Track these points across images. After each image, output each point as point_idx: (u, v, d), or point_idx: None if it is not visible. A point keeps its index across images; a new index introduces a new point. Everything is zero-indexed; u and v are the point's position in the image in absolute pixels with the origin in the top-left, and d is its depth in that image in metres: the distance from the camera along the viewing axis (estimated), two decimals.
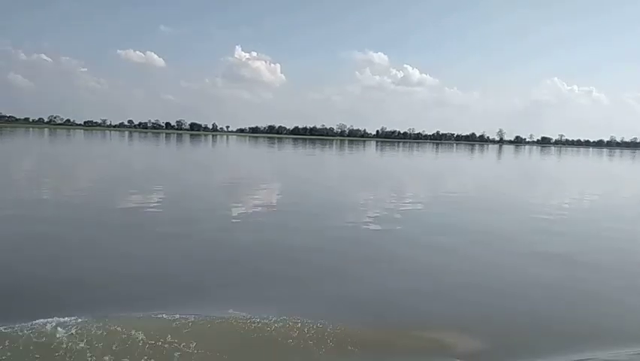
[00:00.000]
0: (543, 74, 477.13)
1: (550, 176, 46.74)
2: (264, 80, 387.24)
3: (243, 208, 18.14)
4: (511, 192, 29.43)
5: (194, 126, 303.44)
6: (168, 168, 38.46)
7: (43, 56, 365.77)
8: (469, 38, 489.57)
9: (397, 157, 73.28)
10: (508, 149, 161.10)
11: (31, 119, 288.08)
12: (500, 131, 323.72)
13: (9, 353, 5.61)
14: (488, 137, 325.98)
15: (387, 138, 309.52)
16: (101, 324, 6.24)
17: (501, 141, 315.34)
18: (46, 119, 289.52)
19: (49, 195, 19.40)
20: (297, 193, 23.86)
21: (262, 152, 73.53)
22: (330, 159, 61.66)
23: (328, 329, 6.71)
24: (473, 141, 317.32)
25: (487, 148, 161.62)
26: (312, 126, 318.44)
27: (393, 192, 25.04)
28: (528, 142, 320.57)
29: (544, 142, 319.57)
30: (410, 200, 22.32)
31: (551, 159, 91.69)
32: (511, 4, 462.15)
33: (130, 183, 25.02)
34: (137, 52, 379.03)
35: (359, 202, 21.07)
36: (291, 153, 70.78)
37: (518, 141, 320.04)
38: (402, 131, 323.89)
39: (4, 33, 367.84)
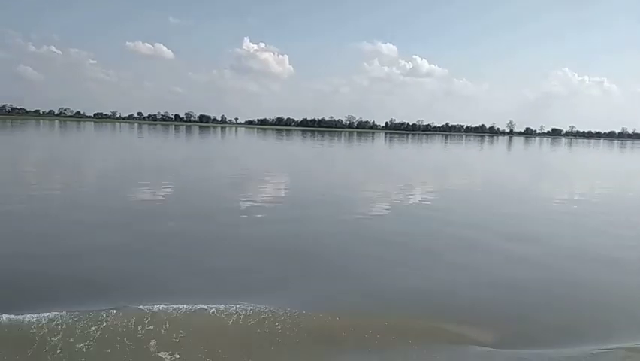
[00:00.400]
0: (554, 65, 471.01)
1: (574, 170, 46.51)
2: (272, 71, 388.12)
3: (267, 200, 18.38)
4: (531, 185, 29.38)
5: (202, 118, 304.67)
6: (181, 160, 38.80)
7: (53, 48, 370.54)
8: (479, 25, 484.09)
9: (410, 149, 73.11)
10: (518, 140, 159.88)
11: (41, 112, 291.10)
12: (510, 122, 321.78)
13: None
14: (498, 128, 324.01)
15: (396, 129, 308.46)
16: (91, 316, 6.29)
17: (511, 133, 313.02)
18: (56, 112, 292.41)
19: (60, 189, 19.77)
20: (319, 185, 24.07)
21: (274, 144, 73.69)
22: (346, 151, 61.65)
23: (338, 319, 6.95)
24: (483, 132, 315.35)
25: (497, 140, 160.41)
26: (320, 118, 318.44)
27: (410, 185, 25.16)
28: (538, 134, 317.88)
29: (555, 134, 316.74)
30: (427, 193, 22.40)
31: (565, 150, 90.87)
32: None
33: (151, 175, 25.39)
34: (146, 44, 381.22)
35: (375, 195, 21.22)
36: (303, 145, 70.90)
37: (528, 133, 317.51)
38: (411, 123, 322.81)
39: (13, 26, 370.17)
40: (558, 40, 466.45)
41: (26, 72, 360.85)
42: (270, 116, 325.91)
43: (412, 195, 21.47)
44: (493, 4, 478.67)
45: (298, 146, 69.39)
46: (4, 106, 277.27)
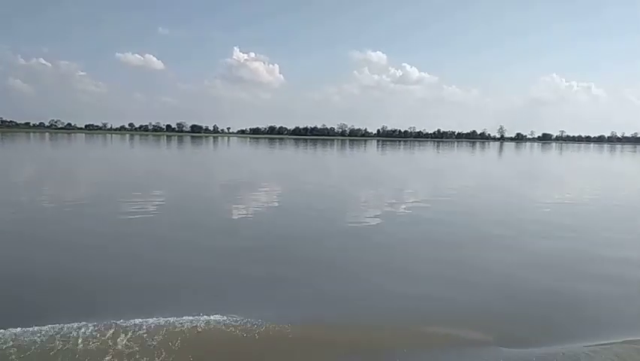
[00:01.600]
0: (541, 72, 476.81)
1: (567, 173, 46.94)
2: (263, 80, 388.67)
3: (268, 207, 18.44)
4: (523, 190, 29.66)
5: (195, 128, 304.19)
6: (173, 171, 38.72)
7: (42, 61, 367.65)
8: (467, 37, 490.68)
9: (404, 156, 73.41)
10: (509, 146, 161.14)
11: (32, 124, 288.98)
12: (501, 128, 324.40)
13: None
14: (489, 134, 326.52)
15: (389, 137, 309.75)
16: (82, 330, 6.32)
17: (502, 138, 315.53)
18: (47, 124, 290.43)
19: (55, 201, 19.71)
20: (314, 193, 24.17)
21: (268, 153, 73.72)
22: (340, 159, 61.78)
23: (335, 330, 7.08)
24: (474, 138, 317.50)
25: (489, 145, 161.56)
26: (312, 126, 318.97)
27: (405, 192, 25.34)
28: (529, 139, 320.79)
29: (545, 139, 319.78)
30: (420, 200, 22.57)
31: (557, 155, 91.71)
32: (509, 4, 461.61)
33: (147, 187, 25.34)
34: (136, 55, 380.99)
35: (372, 202, 21.35)
36: (296, 154, 70.99)
37: (519, 138, 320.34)
38: (403, 130, 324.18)
39: (2, 38, 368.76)
40: (545, 51, 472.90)
41: (16, 85, 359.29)
42: (262, 124, 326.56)
43: (407, 202, 21.60)
44: (481, 19, 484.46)
45: (295, 154, 69.47)
46: None
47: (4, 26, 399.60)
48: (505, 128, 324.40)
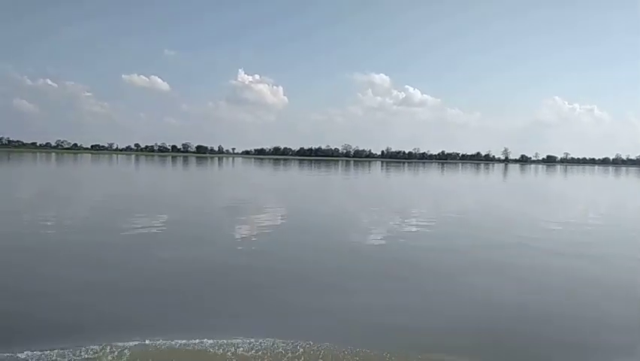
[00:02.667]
0: (543, 95, 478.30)
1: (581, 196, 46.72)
2: (267, 102, 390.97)
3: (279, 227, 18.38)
4: (536, 213, 29.51)
5: (200, 149, 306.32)
6: (179, 191, 38.83)
7: (49, 81, 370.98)
8: (469, 64, 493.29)
9: (409, 177, 73.35)
10: (513, 168, 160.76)
11: (38, 144, 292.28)
12: (506, 150, 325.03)
13: None
14: (494, 156, 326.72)
15: (393, 158, 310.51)
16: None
17: (506, 160, 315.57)
18: (53, 144, 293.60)
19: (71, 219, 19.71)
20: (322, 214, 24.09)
21: (274, 173, 73.93)
22: (347, 181, 61.84)
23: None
24: (479, 160, 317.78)
25: (493, 167, 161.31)
26: (317, 147, 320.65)
27: (414, 214, 25.23)
28: (534, 161, 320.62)
29: (550, 161, 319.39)
30: (430, 222, 22.44)
31: (564, 177, 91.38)
32: (511, 33, 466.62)
33: (146, 207, 25.35)
34: (142, 76, 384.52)
35: (382, 224, 21.26)
36: (303, 175, 71.15)
37: (524, 160, 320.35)
38: (407, 151, 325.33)
39: (9, 59, 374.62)
40: (547, 78, 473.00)
41: (22, 105, 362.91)
42: (266, 145, 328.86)
43: (419, 222, 21.48)
44: (484, 47, 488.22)
45: (303, 175, 69.63)
46: (0, 139, 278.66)
47: (9, 48, 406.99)
48: (509, 150, 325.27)
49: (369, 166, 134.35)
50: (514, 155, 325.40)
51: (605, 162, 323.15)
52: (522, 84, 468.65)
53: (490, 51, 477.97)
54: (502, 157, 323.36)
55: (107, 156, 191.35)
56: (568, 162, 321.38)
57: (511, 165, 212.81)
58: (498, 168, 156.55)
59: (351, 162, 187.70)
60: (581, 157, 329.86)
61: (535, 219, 22.80)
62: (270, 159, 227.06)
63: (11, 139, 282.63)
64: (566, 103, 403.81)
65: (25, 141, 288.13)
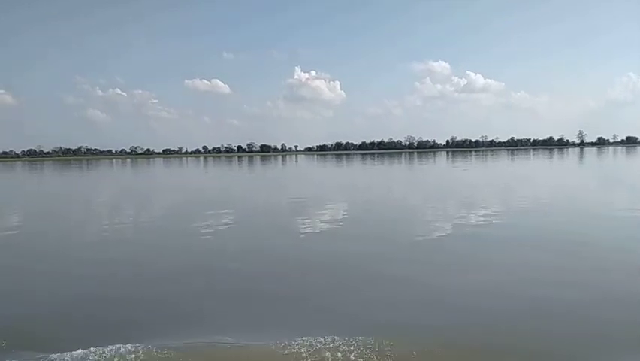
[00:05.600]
0: (616, 72, 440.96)
1: None
2: (325, 98, 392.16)
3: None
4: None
5: (264, 148, 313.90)
6: (252, 189, 39.93)
7: (118, 91, 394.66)
8: (532, 40, 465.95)
9: (484, 167, 70.86)
10: (590, 151, 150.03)
11: (113, 151, 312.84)
12: (581, 133, 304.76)
13: None
14: (567, 140, 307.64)
15: (459, 147, 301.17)
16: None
17: (582, 144, 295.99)
18: (127, 150, 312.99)
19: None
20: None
21: (340, 168, 74.21)
22: (428, 172, 60.88)
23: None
24: (551, 145, 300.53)
25: (568, 152, 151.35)
26: (379, 140, 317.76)
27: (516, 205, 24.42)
28: (612, 143, 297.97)
29: (630, 142, 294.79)
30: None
31: None
32: (580, 5, 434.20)
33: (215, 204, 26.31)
34: (204, 80, 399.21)
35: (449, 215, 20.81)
36: (372, 169, 70.89)
37: (601, 143, 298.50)
38: (474, 140, 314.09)
39: (81, 73, 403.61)
40: (618, 53, 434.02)
41: (95, 115, 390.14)
42: (326, 141, 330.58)
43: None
44: (547, 21, 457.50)
45: (388, 169, 69.39)
46: (79, 148, 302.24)
47: (82, 62, 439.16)
48: (584, 132, 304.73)
49: (435, 157, 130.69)
50: (590, 137, 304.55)
51: None
52: (591, 62, 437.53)
53: (552, 26, 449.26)
54: (577, 141, 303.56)
55: (177, 159, 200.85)
56: None
57: (587, 149, 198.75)
58: (573, 152, 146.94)
59: (415, 154, 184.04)
60: None
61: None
62: (332, 154, 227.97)
63: (89, 147, 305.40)
64: None
65: (101, 149, 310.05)
